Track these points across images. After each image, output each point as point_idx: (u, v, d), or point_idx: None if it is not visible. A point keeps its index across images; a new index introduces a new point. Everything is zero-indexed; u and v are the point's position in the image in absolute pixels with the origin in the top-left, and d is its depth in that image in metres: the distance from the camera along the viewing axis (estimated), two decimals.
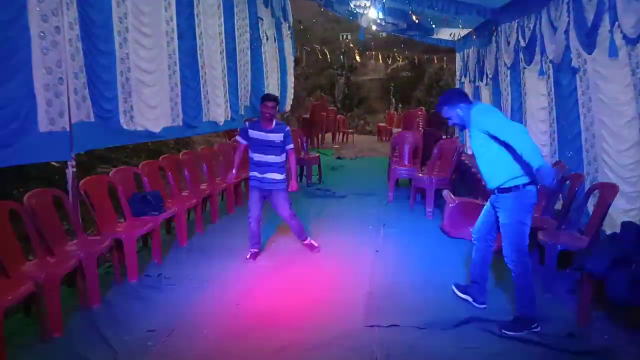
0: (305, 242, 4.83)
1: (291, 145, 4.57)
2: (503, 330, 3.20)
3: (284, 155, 4.56)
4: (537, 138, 5.54)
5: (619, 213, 3.99)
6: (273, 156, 4.48)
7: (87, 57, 4.17)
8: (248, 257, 4.58)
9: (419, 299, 3.77)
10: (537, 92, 5.70)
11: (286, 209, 4.63)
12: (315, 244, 4.82)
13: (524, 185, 3.11)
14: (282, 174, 4.54)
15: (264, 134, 4.43)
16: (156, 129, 5.32)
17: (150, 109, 5.30)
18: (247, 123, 4.57)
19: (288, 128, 4.58)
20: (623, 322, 3.26)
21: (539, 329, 3.19)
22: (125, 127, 4.79)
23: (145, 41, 5.16)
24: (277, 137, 4.46)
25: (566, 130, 4.93)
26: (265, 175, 4.49)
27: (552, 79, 5.28)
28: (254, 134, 4.47)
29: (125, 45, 4.78)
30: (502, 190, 3.18)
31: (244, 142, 4.56)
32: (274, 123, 4.47)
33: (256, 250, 4.65)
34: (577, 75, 4.67)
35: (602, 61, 4.20)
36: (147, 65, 5.23)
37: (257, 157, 4.49)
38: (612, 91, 4.11)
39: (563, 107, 5.01)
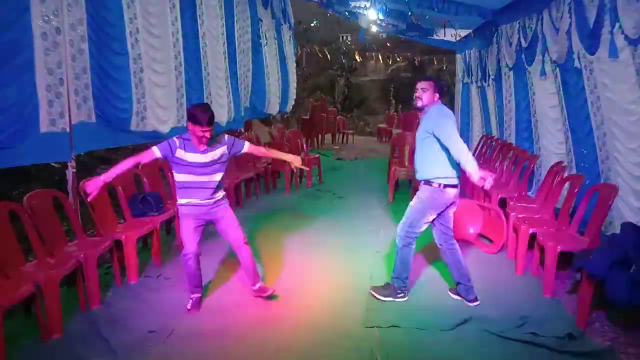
0: (255, 286, 3.76)
1: (246, 144, 3.63)
2: (371, 291, 3.76)
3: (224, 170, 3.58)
4: (552, 136, 5.53)
5: (629, 211, 3.99)
6: (218, 174, 3.51)
7: (95, 58, 4.19)
8: (189, 307, 3.53)
9: (418, 299, 3.77)
10: (546, 91, 5.68)
11: (240, 230, 3.65)
12: (269, 290, 3.75)
13: (445, 186, 3.46)
14: (223, 190, 3.64)
15: (200, 155, 3.38)
16: (165, 129, 5.35)
17: (162, 109, 5.34)
18: (176, 140, 3.40)
19: (229, 137, 3.58)
20: (623, 322, 3.26)
21: (404, 299, 3.69)
22: (134, 127, 4.81)
23: (155, 42, 5.20)
24: (219, 154, 3.47)
25: (578, 128, 4.91)
26: (207, 200, 3.48)
27: (559, 79, 5.27)
28: (186, 156, 3.36)
29: (137, 46, 4.83)
30: (426, 182, 3.54)
31: (159, 155, 3.38)
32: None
33: (198, 295, 3.63)
34: (583, 75, 4.66)
35: (606, 61, 4.20)
36: (158, 66, 5.27)
37: (192, 179, 3.42)
38: (619, 90, 4.09)
39: (573, 105, 4.98)
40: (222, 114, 7.11)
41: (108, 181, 3.33)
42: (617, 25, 3.98)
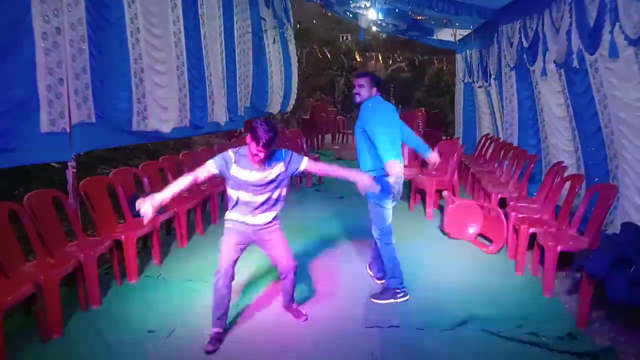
0: (292, 306, 3.53)
1: (304, 161, 3.18)
2: (372, 300, 3.71)
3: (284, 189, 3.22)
4: (561, 134, 5.51)
5: (633, 210, 4.00)
6: (275, 192, 3.16)
7: (95, 58, 4.19)
8: (207, 345, 3.07)
9: (418, 299, 3.77)
10: (552, 89, 5.66)
11: (290, 257, 3.31)
12: (304, 312, 3.50)
13: (381, 176, 3.51)
14: (277, 211, 3.26)
15: (256, 173, 3.04)
16: (166, 129, 5.36)
17: (163, 110, 5.35)
18: (231, 154, 3.07)
19: (286, 152, 3.17)
20: (623, 322, 3.26)
21: (405, 298, 3.69)
22: (135, 128, 4.81)
23: (156, 42, 5.20)
24: (276, 172, 3.10)
25: (586, 126, 4.89)
26: (256, 220, 3.17)
27: (564, 77, 5.26)
28: (240, 174, 3.04)
29: (137, 46, 4.83)
30: (375, 174, 3.55)
31: (216, 171, 3.06)
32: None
33: (219, 330, 3.18)
34: (589, 73, 4.65)
35: (610, 60, 4.20)
36: (160, 66, 5.27)
37: (245, 198, 3.10)
38: (625, 88, 4.09)
39: (579, 104, 4.97)
40: (222, 114, 7.12)
41: (165, 203, 3.09)
42: (617, 25, 3.98)
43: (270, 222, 3.22)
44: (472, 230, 5.18)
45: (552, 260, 3.73)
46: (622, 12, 3.87)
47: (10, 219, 3.26)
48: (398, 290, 3.71)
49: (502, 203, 5.35)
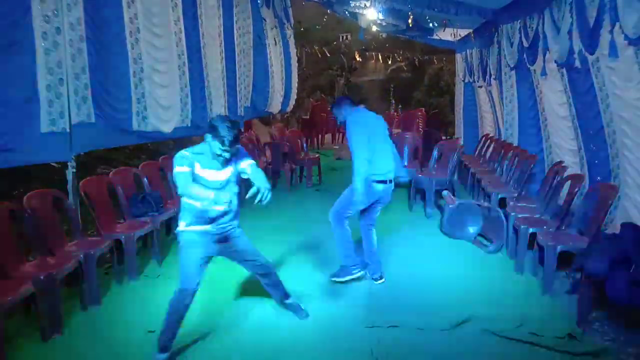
0: (290, 302, 3.43)
1: (248, 161, 3.02)
2: (332, 279, 4.03)
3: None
4: (564, 133, 5.51)
5: (635, 209, 4.00)
6: (231, 194, 2.89)
7: (94, 58, 4.19)
8: None
9: (418, 299, 3.78)
10: (554, 89, 5.65)
11: (259, 254, 3.21)
12: (302, 308, 3.45)
13: (372, 182, 3.80)
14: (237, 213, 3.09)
15: (216, 172, 2.88)
16: (168, 129, 5.35)
17: (164, 109, 5.34)
18: (187, 153, 2.81)
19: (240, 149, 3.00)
20: (623, 322, 3.26)
21: (360, 273, 4.01)
22: (136, 128, 4.80)
23: (157, 42, 5.18)
24: (235, 169, 2.97)
25: (589, 125, 4.87)
26: (220, 223, 2.97)
27: (565, 77, 5.25)
28: (205, 173, 2.83)
29: (137, 46, 4.81)
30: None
31: (187, 170, 2.79)
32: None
33: (166, 356, 2.94)
34: (591, 72, 4.65)
35: (610, 59, 4.19)
36: (161, 65, 5.26)
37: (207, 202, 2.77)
38: (626, 88, 4.07)
39: (582, 103, 4.95)
40: (221, 113, 7.11)
41: None
42: (617, 25, 3.98)
43: (236, 225, 3.08)
44: (472, 230, 5.18)
45: (552, 260, 3.73)
46: (622, 12, 3.87)
47: (10, 219, 3.26)
48: (354, 266, 4.01)
49: (502, 203, 5.35)
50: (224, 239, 3.02)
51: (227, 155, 2.79)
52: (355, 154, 3.74)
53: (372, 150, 3.75)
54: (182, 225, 2.95)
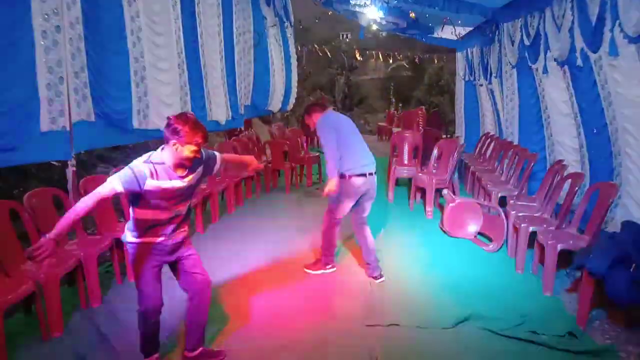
0: (196, 352, 2.87)
1: (219, 157, 2.90)
2: (305, 269, 4.25)
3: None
4: (566, 130, 5.50)
5: (637, 207, 3.99)
6: (188, 202, 2.73)
7: (92, 57, 4.18)
8: None
9: (419, 298, 3.78)
10: (556, 87, 5.64)
11: (206, 272, 2.90)
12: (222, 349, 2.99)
13: (350, 176, 3.90)
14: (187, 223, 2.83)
15: (178, 181, 2.55)
16: None
17: (167, 107, 5.33)
18: (143, 168, 2.45)
19: (205, 151, 2.77)
20: (623, 322, 3.26)
21: (333, 269, 4.26)
22: (136, 126, 4.80)
23: (159, 40, 5.18)
24: (197, 176, 2.69)
25: (592, 123, 4.86)
26: (174, 236, 2.71)
27: (568, 75, 5.25)
28: (157, 186, 2.48)
29: (139, 44, 4.80)
30: (340, 175, 3.93)
31: (121, 189, 2.42)
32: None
33: (156, 356, 2.82)
34: (593, 70, 4.64)
35: (612, 57, 4.18)
36: (163, 63, 5.26)
37: (159, 215, 2.59)
38: (629, 85, 4.08)
39: (585, 100, 4.95)
40: (221, 113, 7.10)
41: (59, 238, 2.35)
42: (617, 23, 3.98)
43: (187, 235, 2.83)
44: (472, 228, 5.18)
45: (552, 258, 3.73)
46: (622, 10, 3.87)
47: (10, 218, 3.26)
48: (327, 263, 4.25)
49: (502, 201, 5.35)
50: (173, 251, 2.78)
51: (189, 163, 2.57)
52: (325, 151, 3.90)
53: (344, 145, 3.90)
54: None
